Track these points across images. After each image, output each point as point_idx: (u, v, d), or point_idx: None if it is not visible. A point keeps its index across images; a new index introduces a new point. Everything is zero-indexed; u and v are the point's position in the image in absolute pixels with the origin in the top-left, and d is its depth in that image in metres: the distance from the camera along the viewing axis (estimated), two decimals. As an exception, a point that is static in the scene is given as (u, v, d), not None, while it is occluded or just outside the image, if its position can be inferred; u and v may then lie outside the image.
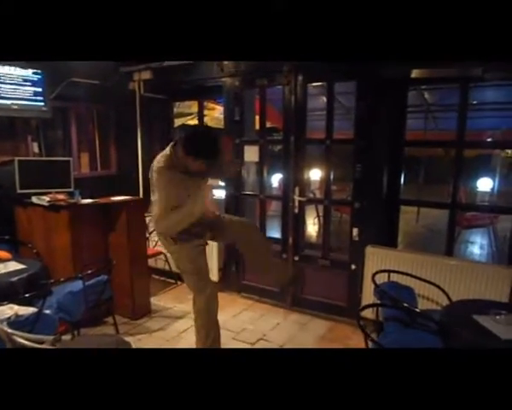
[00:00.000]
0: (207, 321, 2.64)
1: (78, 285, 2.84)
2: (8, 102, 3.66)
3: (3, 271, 2.87)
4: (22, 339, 1.42)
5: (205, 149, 2.26)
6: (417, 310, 2.47)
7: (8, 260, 3.13)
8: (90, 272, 2.92)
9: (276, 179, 7.79)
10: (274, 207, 7.16)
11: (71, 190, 3.77)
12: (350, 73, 3.25)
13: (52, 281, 2.84)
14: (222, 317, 3.68)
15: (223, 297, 4.17)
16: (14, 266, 2.96)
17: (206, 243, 2.74)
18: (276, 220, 5.49)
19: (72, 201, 3.48)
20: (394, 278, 2.93)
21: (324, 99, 4.83)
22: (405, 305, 2.38)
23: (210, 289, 2.64)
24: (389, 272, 2.90)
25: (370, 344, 2.00)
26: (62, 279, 2.88)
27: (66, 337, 1.34)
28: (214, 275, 4.27)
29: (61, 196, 3.53)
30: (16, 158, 3.69)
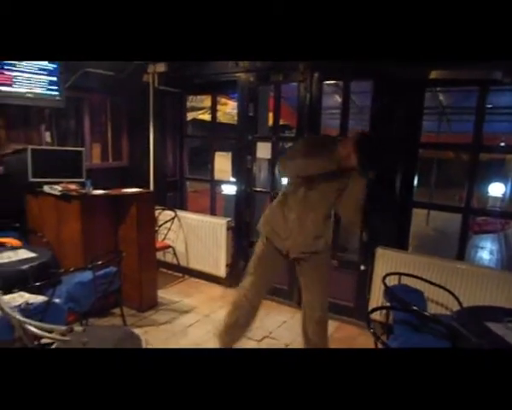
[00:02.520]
0: None
1: (87, 276, 2.84)
2: (24, 90, 3.68)
3: (14, 258, 2.89)
4: (34, 328, 1.42)
5: (371, 153, 2.20)
6: (428, 314, 2.45)
7: (19, 247, 3.15)
8: (100, 262, 2.93)
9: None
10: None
11: (82, 180, 3.79)
12: (367, 72, 3.21)
13: (62, 270, 2.84)
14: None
15: (230, 294, 4.19)
16: (24, 253, 2.98)
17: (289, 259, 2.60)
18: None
19: (84, 191, 3.49)
20: (404, 280, 2.91)
21: (337, 98, 4.80)
22: (415, 308, 2.36)
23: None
24: (400, 274, 2.88)
25: (380, 347, 1.97)
26: (72, 269, 2.88)
27: (78, 328, 1.33)
28: (221, 271, 4.27)
29: (72, 186, 3.55)
30: (29, 146, 3.70)
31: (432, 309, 2.95)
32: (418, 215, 8.05)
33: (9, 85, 3.57)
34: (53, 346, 1.65)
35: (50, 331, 1.43)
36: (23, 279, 2.60)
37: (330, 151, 2.24)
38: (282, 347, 3.22)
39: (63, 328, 1.33)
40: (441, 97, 7.11)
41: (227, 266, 4.27)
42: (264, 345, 3.23)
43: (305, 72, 3.52)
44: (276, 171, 2.56)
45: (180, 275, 4.60)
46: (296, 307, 3.91)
